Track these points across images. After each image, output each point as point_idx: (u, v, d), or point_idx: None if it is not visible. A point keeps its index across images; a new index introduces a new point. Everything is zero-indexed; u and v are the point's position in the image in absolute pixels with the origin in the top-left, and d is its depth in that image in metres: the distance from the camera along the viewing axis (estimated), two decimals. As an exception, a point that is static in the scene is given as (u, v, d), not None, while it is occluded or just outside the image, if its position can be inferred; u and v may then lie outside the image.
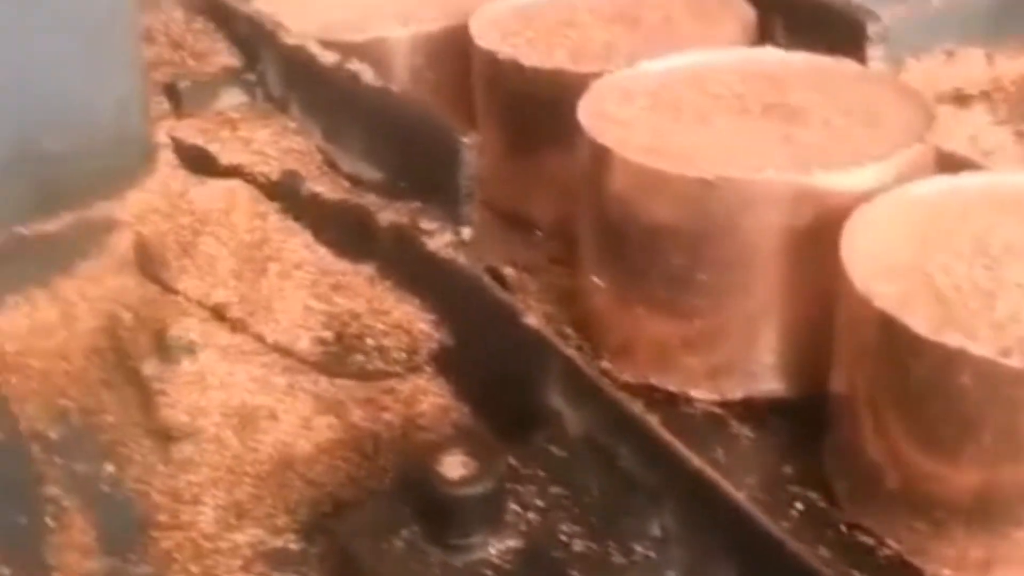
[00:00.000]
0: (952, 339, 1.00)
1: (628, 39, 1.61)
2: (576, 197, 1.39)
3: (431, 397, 1.29)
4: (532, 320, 1.19)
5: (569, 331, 1.36)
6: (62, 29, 1.49)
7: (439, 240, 1.33)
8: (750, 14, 1.63)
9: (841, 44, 1.51)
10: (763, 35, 1.61)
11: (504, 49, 1.57)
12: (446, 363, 1.30)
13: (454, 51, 1.68)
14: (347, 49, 1.61)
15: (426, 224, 1.35)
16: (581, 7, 1.69)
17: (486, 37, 1.61)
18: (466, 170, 1.34)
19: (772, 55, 1.46)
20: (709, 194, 1.21)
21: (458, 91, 1.67)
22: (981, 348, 0.99)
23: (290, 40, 1.61)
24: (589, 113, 1.35)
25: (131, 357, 1.41)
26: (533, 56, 1.55)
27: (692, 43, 1.55)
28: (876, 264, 1.10)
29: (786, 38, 1.59)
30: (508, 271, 1.38)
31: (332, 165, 1.54)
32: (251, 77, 1.68)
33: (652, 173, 1.23)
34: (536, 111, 1.55)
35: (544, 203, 1.59)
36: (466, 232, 1.33)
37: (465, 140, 1.33)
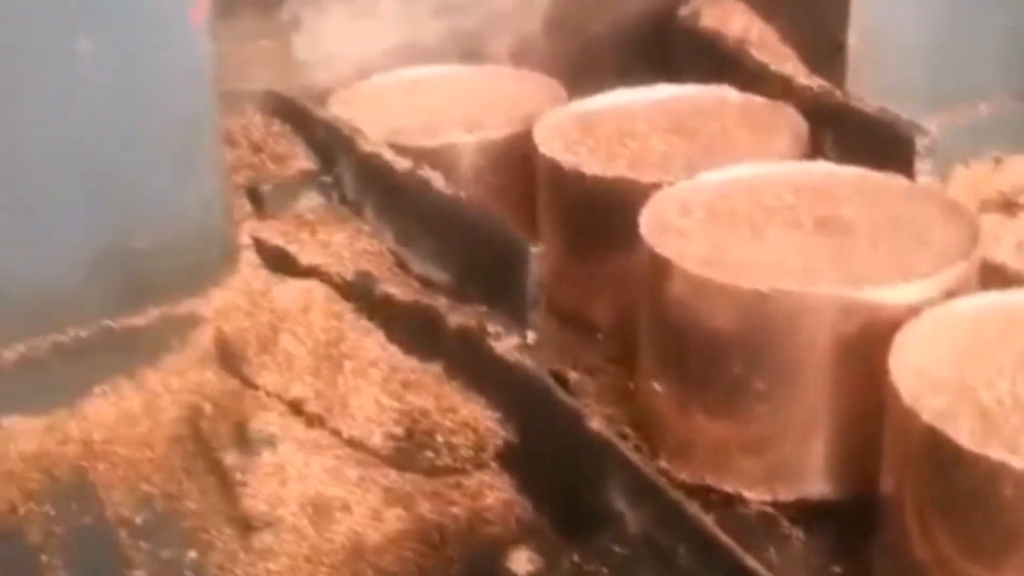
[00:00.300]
0: (994, 452, 1.06)
1: (685, 149, 1.69)
2: (634, 300, 1.47)
3: (496, 492, 1.36)
4: (596, 424, 1.26)
5: (628, 431, 1.43)
6: (150, 134, 1.58)
7: (505, 343, 1.41)
8: (802, 126, 1.71)
9: (890, 157, 1.58)
10: (814, 147, 1.68)
11: (567, 157, 1.66)
12: (511, 460, 1.37)
13: (518, 156, 1.77)
14: (418, 154, 1.71)
15: (493, 327, 1.42)
16: (640, 117, 1.78)
17: (549, 145, 1.70)
18: (532, 278, 1.42)
19: (823, 168, 1.54)
20: (764, 305, 1.28)
21: (521, 194, 1.76)
22: (1022, 462, 1.05)
23: (366, 146, 1.71)
24: (650, 224, 1.43)
25: (212, 447, 1.49)
26: (594, 165, 1.64)
27: (747, 154, 1.64)
28: (922, 378, 1.16)
29: (836, 151, 1.67)
30: (572, 375, 1.45)
31: (403, 266, 1.62)
32: (327, 180, 1.77)
33: (710, 284, 1.31)
34: (596, 217, 1.63)
35: (603, 304, 1.66)
36: (531, 337, 1.41)
37: (532, 250, 1.42)
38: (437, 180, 1.58)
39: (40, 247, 1.55)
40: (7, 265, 1.52)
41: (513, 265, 1.44)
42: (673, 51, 2.09)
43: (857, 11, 1.93)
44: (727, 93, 1.83)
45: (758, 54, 1.92)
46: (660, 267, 1.36)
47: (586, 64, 2.14)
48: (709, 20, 2.07)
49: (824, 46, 1.97)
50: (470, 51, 2.14)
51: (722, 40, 1.99)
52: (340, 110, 1.91)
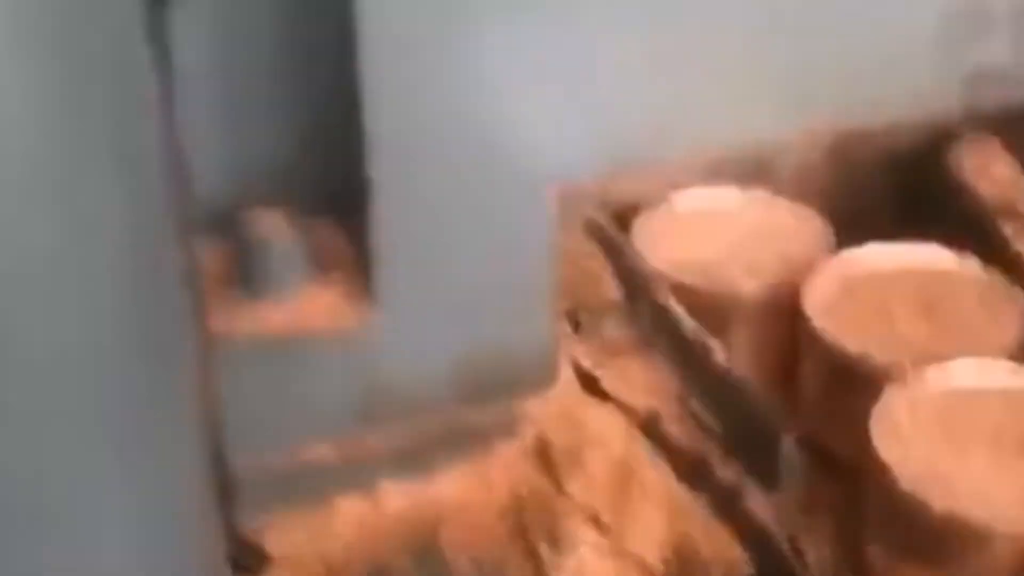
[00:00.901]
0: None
1: (923, 331, 2.05)
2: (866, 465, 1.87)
3: (740, 616, 1.83)
4: (817, 599, 1.70)
5: (847, 577, 1.87)
6: (503, 273, 2.04)
7: (757, 502, 1.85)
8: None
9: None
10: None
11: (825, 328, 2.05)
12: (753, 593, 1.83)
13: (786, 306, 2.16)
14: (696, 294, 2.14)
15: (749, 487, 1.87)
16: (891, 287, 2.13)
17: (813, 309, 2.10)
18: (784, 460, 1.84)
19: (1038, 383, 1.89)
20: (955, 527, 1.68)
21: (787, 338, 2.17)
22: None
23: (660, 297, 2.14)
24: (879, 420, 1.83)
25: (530, 535, 2.00)
26: (847, 338, 2.03)
27: (976, 343, 1.99)
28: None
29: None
30: (810, 557, 1.88)
31: (684, 405, 2.07)
32: (631, 311, 2.22)
33: (915, 499, 1.71)
34: (843, 379, 2.03)
35: (844, 447, 2.06)
36: (779, 501, 1.84)
37: (787, 438, 1.84)
38: (717, 350, 2.01)
39: (416, 356, 2.06)
40: (397, 368, 2.05)
41: (771, 442, 1.87)
42: (933, 197, 2.40)
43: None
44: (972, 267, 2.15)
45: (1004, 224, 2.22)
46: (884, 471, 1.77)
47: (853, 197, 2.47)
48: (970, 169, 2.36)
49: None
50: (756, 171, 2.51)
51: (976, 200, 2.29)
52: (640, 233, 2.34)
